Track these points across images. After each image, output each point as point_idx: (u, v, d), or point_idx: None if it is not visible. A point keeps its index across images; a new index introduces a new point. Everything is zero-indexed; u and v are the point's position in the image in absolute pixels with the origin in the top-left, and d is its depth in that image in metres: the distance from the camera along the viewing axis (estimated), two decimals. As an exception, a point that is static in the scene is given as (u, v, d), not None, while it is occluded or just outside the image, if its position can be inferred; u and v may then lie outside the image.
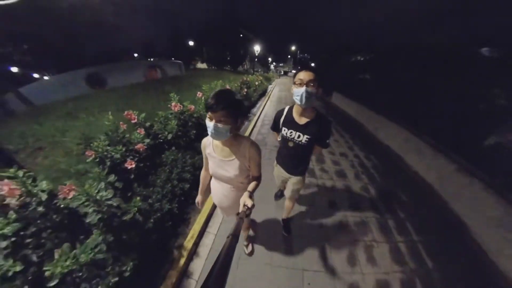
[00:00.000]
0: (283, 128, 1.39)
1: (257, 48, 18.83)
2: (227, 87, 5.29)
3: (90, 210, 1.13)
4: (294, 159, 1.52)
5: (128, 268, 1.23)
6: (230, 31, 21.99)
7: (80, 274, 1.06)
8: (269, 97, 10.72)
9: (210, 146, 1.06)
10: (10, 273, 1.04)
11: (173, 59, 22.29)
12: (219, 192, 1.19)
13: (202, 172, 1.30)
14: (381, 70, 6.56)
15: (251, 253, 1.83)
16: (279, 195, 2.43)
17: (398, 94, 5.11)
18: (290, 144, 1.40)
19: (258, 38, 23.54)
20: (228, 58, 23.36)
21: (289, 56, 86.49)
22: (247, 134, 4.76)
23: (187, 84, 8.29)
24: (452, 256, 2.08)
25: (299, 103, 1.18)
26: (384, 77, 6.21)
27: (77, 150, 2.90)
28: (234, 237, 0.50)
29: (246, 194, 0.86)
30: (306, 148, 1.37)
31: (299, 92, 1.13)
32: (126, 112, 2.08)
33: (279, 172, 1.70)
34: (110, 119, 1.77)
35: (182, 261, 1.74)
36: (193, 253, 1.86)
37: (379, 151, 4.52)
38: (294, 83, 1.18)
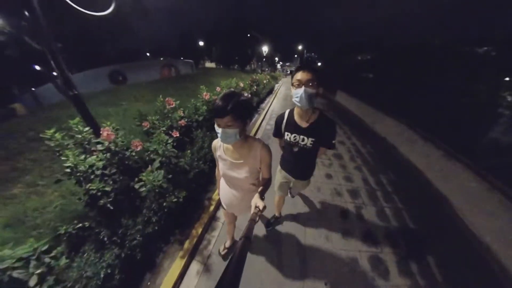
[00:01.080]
0: (286, 133, 1.32)
1: (265, 49, 19.33)
2: (241, 84, 5.87)
3: (160, 150, 1.68)
4: (300, 164, 1.45)
5: (182, 196, 1.78)
6: (239, 32, 22.57)
7: (157, 191, 1.61)
8: (276, 95, 11.26)
9: (220, 148, 1.05)
10: (99, 193, 1.58)
11: (182, 58, 23.04)
12: (229, 193, 1.19)
13: (217, 171, 1.30)
14: (378, 69, 6.92)
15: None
16: (272, 222, 2.08)
17: (395, 91, 5.49)
18: (295, 149, 1.33)
19: (265, 38, 24.03)
20: (236, 58, 23.98)
21: (295, 56, 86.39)
22: (257, 125, 5.28)
23: (202, 80, 8.91)
24: (433, 221, 2.46)
25: (299, 105, 1.12)
26: (382, 76, 6.58)
27: (122, 128, 3.52)
28: (246, 239, 0.50)
29: (257, 196, 0.83)
30: (312, 151, 1.31)
31: (298, 93, 1.07)
32: (166, 99, 2.65)
33: (283, 177, 1.62)
34: (160, 101, 2.33)
35: (211, 208, 2.28)
36: (220, 203, 2.40)
37: (375, 141, 4.93)
38: (292, 84, 1.12)
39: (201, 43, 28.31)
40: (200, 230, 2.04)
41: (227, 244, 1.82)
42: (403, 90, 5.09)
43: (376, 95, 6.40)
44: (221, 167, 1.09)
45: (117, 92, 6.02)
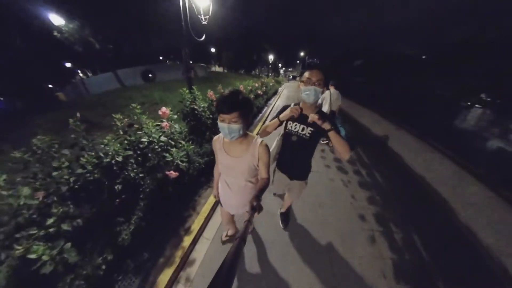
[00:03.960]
0: (289, 122, 1.37)
1: (271, 57, 21.39)
2: (256, 84, 7.70)
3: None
4: (297, 157, 1.47)
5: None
6: (247, 40, 24.74)
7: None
8: (279, 96, 13.14)
9: (220, 143, 1.08)
10: (202, 121, 3.33)
11: (191, 62, 25.17)
12: (227, 190, 1.20)
13: (215, 169, 1.30)
14: (365, 74, 8.76)
15: (252, 230, 1.98)
16: (284, 219, 2.10)
17: (374, 90, 7.28)
18: (294, 138, 1.36)
19: (271, 46, 26.20)
20: (244, 63, 26.09)
21: (297, 62, 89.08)
22: (266, 114, 7.05)
23: (221, 81, 10.79)
24: (382, 161, 3.90)
25: (306, 100, 1.22)
26: (366, 79, 8.41)
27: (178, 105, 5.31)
28: (241, 240, 0.50)
29: (254, 196, 0.83)
30: (309, 144, 1.36)
31: (308, 90, 1.16)
32: (219, 87, 4.42)
33: (279, 179, 1.62)
34: (220, 88, 4.10)
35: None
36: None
37: (357, 127, 6.67)
38: (302, 81, 1.20)
39: (212, 50, 30.51)
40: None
41: (230, 232, 1.81)
42: (379, 89, 6.88)
43: (362, 94, 8.20)
44: (220, 163, 1.13)
45: (164, 85, 7.94)
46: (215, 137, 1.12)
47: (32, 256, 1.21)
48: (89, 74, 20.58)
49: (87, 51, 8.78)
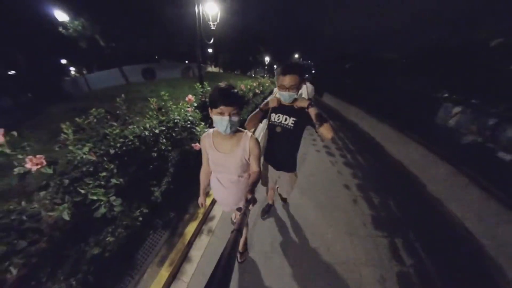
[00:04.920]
0: (272, 114, 1.38)
1: (267, 58, 21.94)
2: (254, 84, 8.11)
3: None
4: (282, 148, 1.47)
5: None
6: (244, 42, 25.17)
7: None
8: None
9: (210, 141, 1.06)
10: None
11: (187, 61, 25.39)
12: (220, 187, 1.18)
13: (202, 171, 1.27)
14: (352, 75, 9.38)
15: (243, 261, 1.70)
16: (267, 210, 2.10)
17: (361, 90, 7.87)
18: (278, 129, 1.36)
19: (266, 48, 26.79)
20: (240, 64, 26.47)
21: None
22: (264, 110, 7.45)
23: (224, 81, 11.16)
24: (370, 156, 4.25)
25: (283, 100, 1.31)
26: (354, 80, 9.02)
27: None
28: (238, 232, 0.51)
29: (248, 189, 0.83)
30: (293, 134, 1.36)
31: (283, 95, 1.23)
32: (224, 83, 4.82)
33: (267, 169, 1.66)
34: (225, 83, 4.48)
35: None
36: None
37: (345, 122, 7.22)
38: (278, 86, 1.22)
39: (209, 50, 30.66)
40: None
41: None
42: (365, 89, 7.47)
43: (350, 94, 8.79)
44: (211, 161, 1.11)
45: (166, 82, 8.21)
46: (204, 135, 1.10)
47: (93, 197, 1.53)
48: (84, 72, 20.26)
49: (90, 48, 8.84)
